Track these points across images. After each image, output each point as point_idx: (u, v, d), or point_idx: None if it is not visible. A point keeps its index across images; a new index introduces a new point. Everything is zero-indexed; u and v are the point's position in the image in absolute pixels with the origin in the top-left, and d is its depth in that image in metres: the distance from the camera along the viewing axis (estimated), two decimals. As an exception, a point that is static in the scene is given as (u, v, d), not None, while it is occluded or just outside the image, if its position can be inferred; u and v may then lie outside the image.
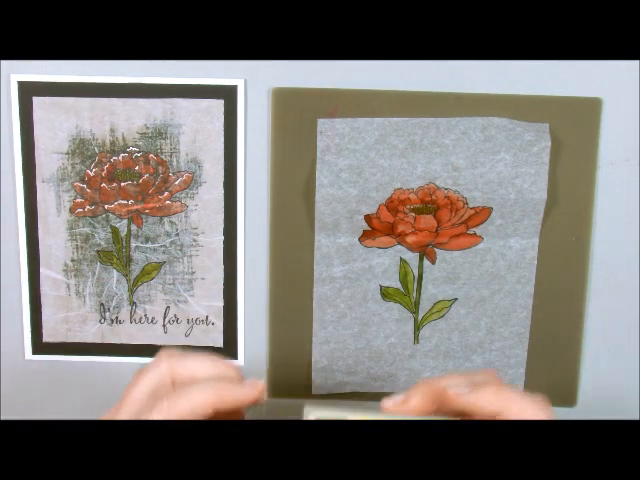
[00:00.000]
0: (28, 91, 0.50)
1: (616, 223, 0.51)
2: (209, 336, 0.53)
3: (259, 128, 0.50)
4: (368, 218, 0.49)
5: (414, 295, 0.51)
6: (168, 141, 0.50)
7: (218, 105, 0.50)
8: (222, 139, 0.50)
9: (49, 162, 0.51)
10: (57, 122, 0.50)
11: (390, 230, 0.49)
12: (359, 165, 0.48)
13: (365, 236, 0.50)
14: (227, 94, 0.50)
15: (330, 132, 0.48)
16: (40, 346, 0.53)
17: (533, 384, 0.53)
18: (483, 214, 0.49)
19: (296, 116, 0.50)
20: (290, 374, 0.54)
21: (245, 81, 0.49)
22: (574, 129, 0.49)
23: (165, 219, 0.52)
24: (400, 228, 0.49)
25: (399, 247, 0.50)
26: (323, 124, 0.48)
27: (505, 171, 0.48)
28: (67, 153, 0.51)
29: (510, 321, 0.51)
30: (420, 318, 0.52)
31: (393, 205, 0.48)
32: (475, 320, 0.51)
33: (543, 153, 0.48)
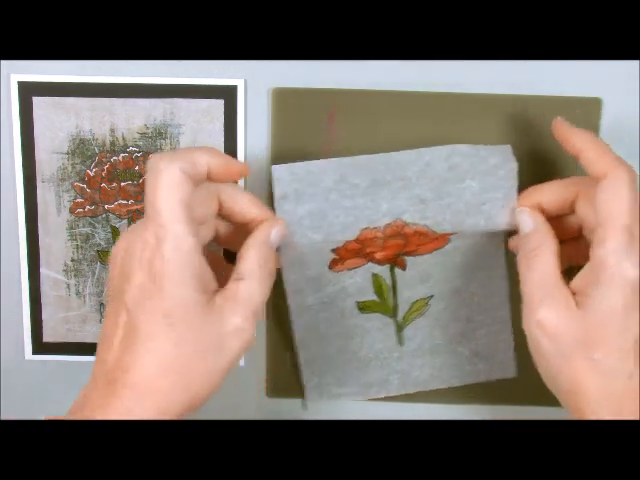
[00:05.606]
0: (28, 91, 0.50)
1: (616, 223, 0.51)
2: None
3: (259, 128, 0.50)
4: (335, 250, 0.47)
5: (391, 301, 0.50)
6: (168, 141, 0.50)
7: (218, 105, 0.50)
8: (222, 139, 0.50)
9: (49, 162, 0.51)
10: (57, 122, 0.50)
11: (358, 253, 0.48)
12: (321, 209, 0.45)
13: (333, 263, 0.48)
14: (227, 94, 0.50)
15: (287, 178, 0.45)
16: (40, 346, 0.53)
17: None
18: (452, 234, 0.47)
19: (296, 116, 0.50)
20: (290, 374, 0.54)
21: (245, 81, 0.49)
22: (574, 129, 0.49)
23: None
24: (368, 250, 0.47)
25: (369, 264, 0.49)
26: (278, 170, 0.46)
27: (472, 199, 0.46)
28: (67, 153, 0.51)
29: (488, 307, 0.51)
30: (400, 320, 0.51)
31: (360, 242, 0.47)
32: (454, 312, 0.51)
33: (509, 175, 0.46)
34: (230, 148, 0.50)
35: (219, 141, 0.50)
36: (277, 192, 0.45)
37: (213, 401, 0.54)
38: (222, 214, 0.45)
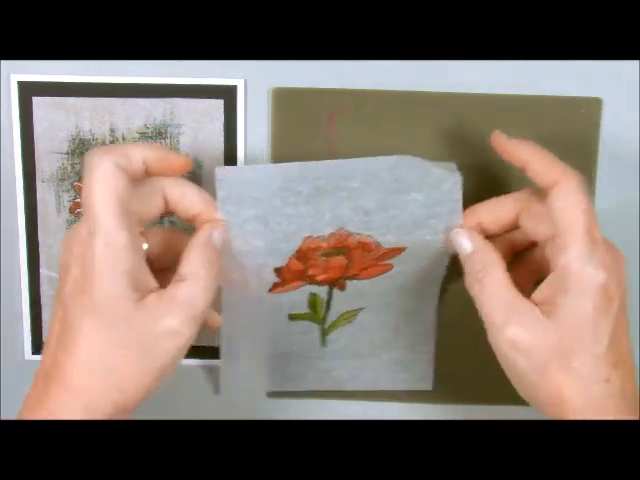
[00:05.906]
0: (28, 91, 0.50)
1: (616, 223, 0.51)
2: (208, 336, 0.53)
3: (259, 128, 0.50)
4: (278, 270, 0.46)
5: (322, 312, 0.50)
6: (168, 141, 0.50)
7: (218, 105, 0.50)
8: (222, 139, 0.50)
9: (49, 162, 0.51)
10: (57, 122, 0.50)
11: (300, 276, 0.47)
12: (264, 215, 0.44)
13: (274, 287, 0.47)
14: (227, 94, 0.50)
15: (230, 180, 0.44)
16: (40, 346, 0.53)
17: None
18: (398, 250, 0.46)
19: (296, 116, 0.50)
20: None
21: (245, 81, 0.49)
22: (574, 129, 0.49)
23: (165, 219, 0.52)
24: (311, 272, 0.46)
25: (308, 286, 0.48)
26: (222, 172, 0.44)
27: (418, 212, 0.44)
28: (67, 153, 0.51)
29: (416, 320, 0.51)
30: (327, 326, 0.51)
31: (303, 254, 0.45)
32: (382, 321, 0.50)
33: (454, 189, 0.44)
34: (230, 148, 0.50)
35: (219, 141, 0.50)
36: (220, 194, 0.44)
37: (213, 401, 0.54)
38: (169, 211, 0.44)
